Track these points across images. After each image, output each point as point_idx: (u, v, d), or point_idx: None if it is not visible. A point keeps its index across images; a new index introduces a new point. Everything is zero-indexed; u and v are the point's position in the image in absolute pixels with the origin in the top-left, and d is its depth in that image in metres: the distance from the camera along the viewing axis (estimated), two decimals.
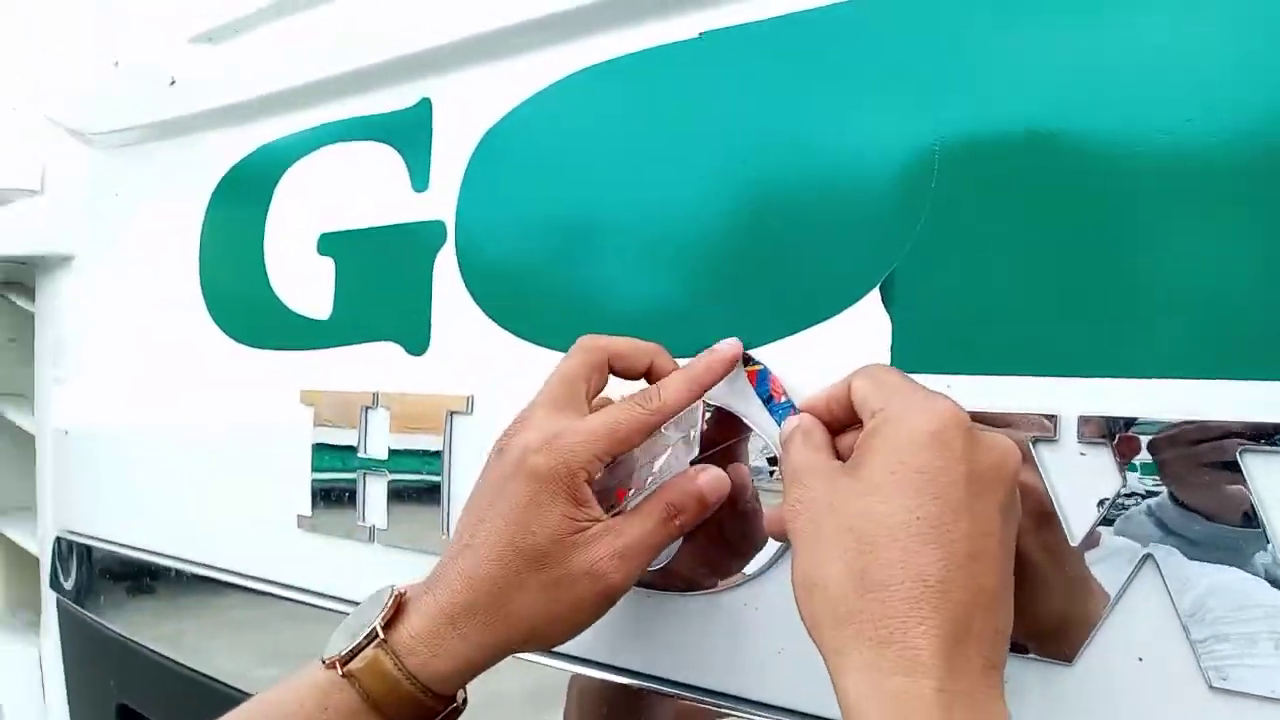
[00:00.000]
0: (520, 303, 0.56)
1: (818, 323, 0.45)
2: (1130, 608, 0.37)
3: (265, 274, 0.71)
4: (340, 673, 0.41)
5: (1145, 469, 0.37)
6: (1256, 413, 0.35)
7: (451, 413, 0.58)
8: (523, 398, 0.54)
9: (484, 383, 0.57)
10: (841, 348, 0.44)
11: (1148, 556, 0.37)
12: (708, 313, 0.48)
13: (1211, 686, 0.35)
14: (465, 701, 0.44)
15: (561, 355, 0.53)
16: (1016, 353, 0.40)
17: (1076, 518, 0.38)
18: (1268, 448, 0.34)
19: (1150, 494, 0.37)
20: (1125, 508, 0.37)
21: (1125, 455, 0.37)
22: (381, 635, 0.41)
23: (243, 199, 0.73)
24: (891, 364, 0.43)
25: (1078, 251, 0.38)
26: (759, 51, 0.47)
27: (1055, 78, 0.39)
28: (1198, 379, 0.36)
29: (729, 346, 0.46)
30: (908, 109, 0.43)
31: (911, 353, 0.42)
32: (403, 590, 0.43)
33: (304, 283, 0.68)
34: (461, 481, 0.58)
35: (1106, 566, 0.38)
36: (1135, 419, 0.37)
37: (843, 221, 0.44)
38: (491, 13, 0.56)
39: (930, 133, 0.42)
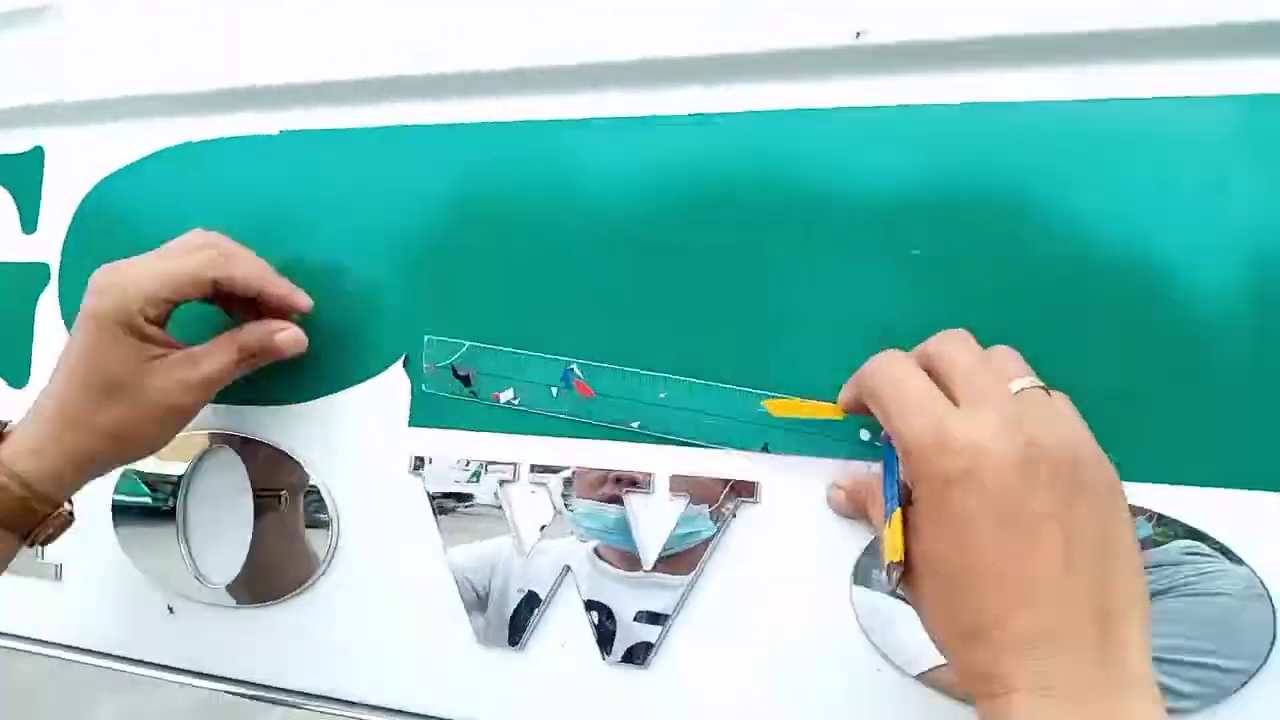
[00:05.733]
0: None
1: (351, 385, 0.55)
2: (556, 606, 0.50)
3: None
4: None
5: (568, 501, 0.50)
6: (632, 465, 0.49)
7: None
8: None
9: None
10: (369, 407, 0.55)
11: (567, 568, 0.50)
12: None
13: (606, 658, 0.49)
14: (72, 515, 0.50)
15: None
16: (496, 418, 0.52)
17: (527, 537, 0.51)
18: (635, 490, 0.49)
19: (573, 521, 0.50)
20: (554, 532, 0.51)
21: (561, 492, 0.50)
22: None
23: None
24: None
25: None
26: (323, 152, 0.57)
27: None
28: (597, 439, 0.50)
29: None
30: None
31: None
32: (10, 426, 0.49)
33: None
34: None
35: (542, 571, 0.51)
36: (560, 466, 0.50)
37: (376, 299, 0.55)
38: (105, 81, 0.62)
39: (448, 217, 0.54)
